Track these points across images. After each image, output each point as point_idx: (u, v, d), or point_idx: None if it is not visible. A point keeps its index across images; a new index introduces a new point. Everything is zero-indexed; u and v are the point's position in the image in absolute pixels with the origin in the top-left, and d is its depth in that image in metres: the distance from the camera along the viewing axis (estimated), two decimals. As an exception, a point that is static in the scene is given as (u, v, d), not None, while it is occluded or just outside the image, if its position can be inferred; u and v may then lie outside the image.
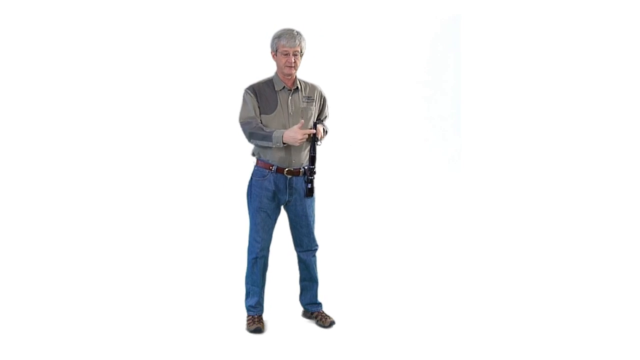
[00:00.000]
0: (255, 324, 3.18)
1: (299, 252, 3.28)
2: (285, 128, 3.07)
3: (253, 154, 3.18)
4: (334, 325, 3.25)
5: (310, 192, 3.10)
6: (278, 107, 3.09)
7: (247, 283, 3.24)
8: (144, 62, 5.03)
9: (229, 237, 4.32)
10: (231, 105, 3.41)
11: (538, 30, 5.02)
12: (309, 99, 3.16)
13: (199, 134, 5.05)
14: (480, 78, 5.42)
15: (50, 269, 4.16)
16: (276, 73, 3.13)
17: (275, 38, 3.07)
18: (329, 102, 3.32)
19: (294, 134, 2.96)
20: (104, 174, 5.00)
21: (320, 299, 3.37)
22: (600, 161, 4.74)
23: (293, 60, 3.03)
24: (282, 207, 3.21)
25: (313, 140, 3.08)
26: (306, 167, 3.11)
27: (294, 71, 3.07)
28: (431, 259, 4.46)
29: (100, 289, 3.81)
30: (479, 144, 5.43)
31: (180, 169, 5.06)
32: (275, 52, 3.08)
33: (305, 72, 3.21)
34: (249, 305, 3.24)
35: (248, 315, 3.24)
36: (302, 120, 3.02)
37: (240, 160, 3.50)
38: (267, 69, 3.18)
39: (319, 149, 3.14)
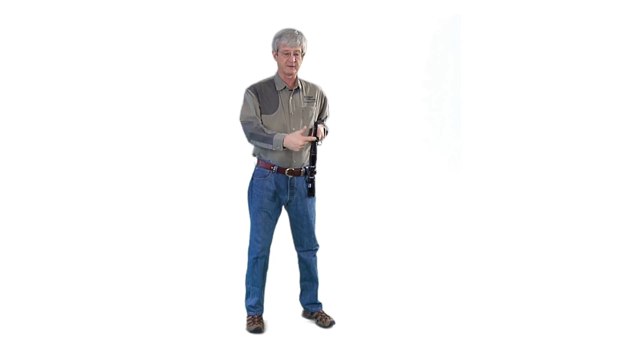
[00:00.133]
0: (255, 324, 3.17)
1: (300, 251, 3.28)
2: (286, 128, 3.08)
3: (254, 154, 3.18)
4: (334, 325, 3.25)
5: (311, 192, 3.10)
6: (279, 107, 3.08)
7: (247, 283, 3.24)
8: (145, 63, 5.02)
9: (229, 237, 4.32)
10: (232, 105, 3.41)
11: (538, 30, 5.02)
12: (310, 98, 3.16)
13: (200, 134, 5.05)
14: (480, 78, 5.42)
15: (50, 269, 4.16)
16: (277, 73, 3.13)
17: (277, 37, 3.07)
18: (329, 102, 3.32)
19: (296, 140, 2.95)
20: (105, 174, 4.99)
21: (320, 299, 3.37)
22: (600, 161, 4.74)
23: (294, 60, 3.03)
24: (282, 207, 3.21)
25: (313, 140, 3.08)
26: (307, 167, 3.11)
27: (294, 71, 3.07)
28: (431, 259, 4.46)
29: (100, 289, 3.81)
30: (479, 144, 5.43)
31: (181, 169, 5.06)
32: (276, 51, 3.08)
33: (305, 72, 3.21)
34: (249, 305, 3.24)
35: (248, 315, 3.24)
36: (305, 127, 3.02)
37: (241, 160, 3.49)
38: (268, 69, 3.18)
39: (319, 148, 3.14)
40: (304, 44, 3.07)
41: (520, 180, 5.13)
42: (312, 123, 3.12)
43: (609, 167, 4.69)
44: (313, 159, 3.08)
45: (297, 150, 2.99)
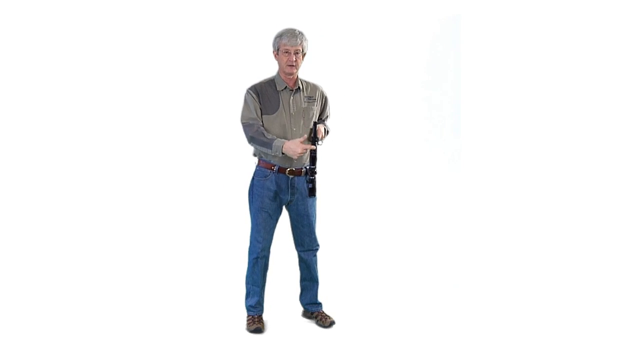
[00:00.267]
0: (255, 324, 3.18)
1: (300, 251, 3.28)
2: (286, 128, 3.08)
3: (254, 154, 3.18)
4: (334, 325, 3.25)
5: (312, 192, 3.10)
6: (280, 107, 3.09)
7: (247, 283, 3.24)
8: (145, 63, 5.02)
9: (229, 237, 4.32)
10: (233, 105, 3.41)
11: (538, 30, 5.01)
12: (311, 98, 3.16)
13: (201, 135, 5.05)
14: (480, 78, 5.41)
15: (50, 269, 4.16)
16: (278, 73, 3.13)
17: (277, 37, 3.07)
18: (330, 102, 3.32)
19: (295, 147, 2.96)
20: (105, 174, 4.99)
21: (320, 299, 3.37)
22: (600, 161, 4.74)
23: (294, 59, 3.03)
24: (283, 207, 3.21)
25: (314, 140, 3.08)
26: (307, 167, 3.11)
27: (295, 70, 3.07)
28: (431, 259, 4.46)
29: (100, 289, 3.81)
30: (479, 144, 5.43)
31: (182, 169, 5.05)
32: (276, 51, 3.08)
33: (306, 72, 3.21)
34: (249, 305, 3.24)
35: (248, 315, 3.24)
36: (305, 135, 3.02)
37: (241, 160, 3.49)
38: (269, 69, 3.18)
39: (319, 148, 3.14)
40: (304, 44, 3.07)
41: (520, 180, 5.13)
42: (312, 123, 3.12)
43: (609, 166, 4.68)
44: (313, 159, 3.08)
45: (296, 157, 3.00)
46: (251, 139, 3.06)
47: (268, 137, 3.01)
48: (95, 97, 5.00)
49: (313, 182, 3.08)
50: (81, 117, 4.97)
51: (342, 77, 5.10)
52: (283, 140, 3.00)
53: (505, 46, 5.23)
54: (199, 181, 5.02)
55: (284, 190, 3.12)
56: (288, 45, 3.02)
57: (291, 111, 3.10)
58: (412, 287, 3.87)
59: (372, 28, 5.35)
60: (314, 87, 3.21)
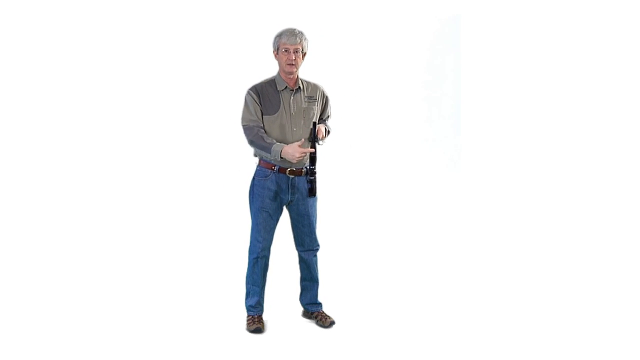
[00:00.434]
0: (255, 324, 3.17)
1: (301, 251, 3.28)
2: (286, 128, 3.08)
3: (255, 154, 3.18)
4: (334, 325, 3.25)
5: (311, 192, 3.09)
6: (280, 107, 3.09)
7: (247, 283, 3.24)
8: (146, 64, 5.02)
9: (230, 237, 4.32)
10: (234, 105, 3.40)
11: (538, 30, 5.02)
12: (311, 98, 3.16)
13: (202, 135, 5.05)
14: (480, 78, 5.42)
15: (51, 270, 4.15)
16: (278, 73, 3.13)
17: (277, 37, 3.07)
18: (331, 102, 3.32)
19: (293, 152, 2.96)
20: (106, 174, 4.99)
21: (320, 299, 3.36)
22: (600, 161, 4.74)
23: (293, 58, 3.03)
24: (284, 207, 3.21)
25: (313, 139, 3.08)
26: (307, 167, 3.11)
27: (295, 69, 3.07)
28: (431, 259, 4.46)
29: (101, 289, 3.81)
30: (479, 144, 5.43)
31: (183, 169, 5.06)
32: (276, 50, 3.08)
33: (306, 72, 3.21)
34: (249, 305, 3.24)
35: (248, 315, 3.24)
36: (303, 139, 3.02)
37: (242, 160, 3.49)
38: (269, 70, 3.18)
39: (320, 148, 3.14)
40: (304, 43, 3.07)
41: (520, 180, 5.13)
42: (312, 123, 3.12)
43: (609, 166, 4.68)
44: (313, 159, 3.08)
45: (295, 162, 3.00)
46: (251, 142, 3.07)
47: (267, 140, 3.02)
48: (96, 98, 5.00)
49: (312, 182, 3.08)
50: (82, 118, 4.98)
51: (342, 77, 5.10)
52: (282, 144, 3.00)
53: (505, 46, 5.24)
54: (199, 181, 5.02)
55: (284, 190, 3.12)
56: (287, 44, 3.03)
57: (292, 111, 3.10)
58: (412, 287, 3.87)
59: (372, 28, 5.35)
60: (315, 87, 3.20)
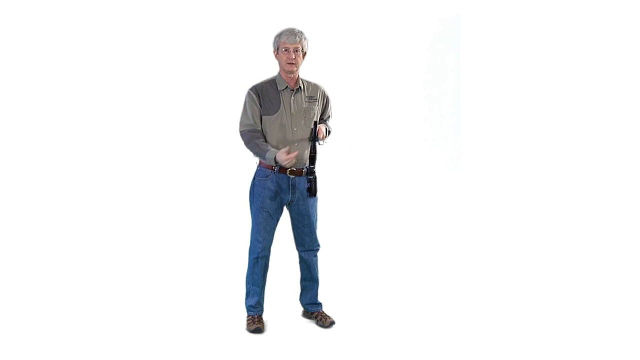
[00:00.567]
0: (255, 324, 3.17)
1: (301, 251, 3.28)
2: (287, 128, 3.08)
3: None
4: (334, 325, 3.25)
5: (313, 192, 3.09)
6: (280, 107, 3.09)
7: (247, 283, 3.24)
8: (147, 64, 5.02)
9: (230, 237, 4.31)
10: (234, 105, 3.40)
11: (538, 30, 5.02)
12: (312, 98, 3.16)
13: (202, 134, 5.05)
14: (480, 78, 5.42)
15: (51, 270, 4.15)
16: (279, 73, 3.13)
17: (277, 36, 3.08)
18: (331, 102, 3.32)
19: (278, 158, 2.98)
20: (106, 174, 4.99)
21: (320, 299, 3.36)
22: (600, 161, 4.74)
23: (293, 57, 3.03)
24: (284, 208, 3.21)
25: (314, 139, 3.08)
26: (307, 167, 3.11)
27: (295, 68, 3.07)
28: (431, 259, 4.46)
29: (101, 289, 3.81)
30: (479, 144, 5.43)
31: (183, 169, 5.05)
32: (276, 50, 3.09)
33: (306, 72, 3.21)
34: (249, 305, 3.24)
35: (248, 315, 3.24)
36: (289, 147, 3.02)
37: (243, 159, 3.49)
38: (270, 70, 3.18)
39: (320, 149, 3.14)
40: (304, 42, 3.08)
41: (520, 180, 5.13)
42: (312, 123, 3.12)
43: (609, 166, 4.68)
44: (312, 159, 3.08)
45: (288, 166, 3.01)
46: (247, 147, 3.10)
47: (262, 147, 3.03)
48: (97, 99, 5.00)
49: (311, 181, 3.08)
50: (83, 119, 4.97)
51: (342, 77, 5.10)
52: (275, 151, 3.01)
53: (505, 46, 5.24)
54: (200, 181, 5.02)
55: (284, 190, 3.12)
56: (287, 43, 3.03)
57: (292, 111, 3.10)
58: (412, 287, 3.87)
59: (372, 28, 5.35)
60: (315, 87, 3.21)
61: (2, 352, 2.92)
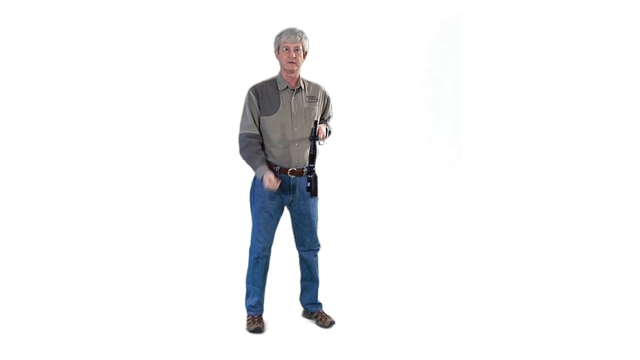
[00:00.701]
0: (255, 324, 3.17)
1: (301, 251, 3.28)
2: (287, 128, 3.08)
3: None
4: (334, 325, 3.25)
5: (314, 192, 3.09)
6: (280, 107, 3.09)
7: (247, 283, 3.24)
8: (147, 64, 5.02)
9: (230, 237, 4.31)
10: (235, 106, 3.40)
11: (538, 30, 5.01)
12: (312, 98, 3.16)
13: (203, 134, 5.05)
14: (480, 78, 5.41)
15: (51, 270, 4.15)
16: (280, 73, 3.13)
17: (277, 36, 3.09)
18: (332, 103, 3.32)
19: (264, 179, 3.00)
20: (106, 174, 4.99)
21: (320, 299, 3.36)
22: (601, 162, 4.73)
23: (294, 56, 3.04)
24: (284, 208, 3.21)
25: (314, 139, 3.08)
26: (307, 167, 3.11)
27: (295, 68, 3.07)
28: (431, 260, 4.46)
29: (101, 289, 3.81)
30: (480, 144, 5.43)
31: (183, 169, 5.05)
32: (277, 49, 3.09)
33: (306, 72, 3.21)
34: (249, 305, 3.24)
35: (248, 315, 3.24)
36: (277, 178, 3.02)
37: (243, 160, 3.49)
38: (270, 70, 3.18)
39: (320, 149, 3.14)
40: (304, 42, 3.08)
41: (520, 180, 5.12)
42: (313, 123, 3.12)
43: (609, 167, 4.68)
44: (312, 158, 3.08)
45: (267, 189, 3.03)
46: (240, 154, 3.11)
47: (254, 161, 3.05)
48: (97, 100, 4.99)
49: (311, 181, 3.08)
50: (83, 120, 4.96)
51: (342, 77, 5.09)
52: (265, 168, 3.02)
53: (505, 46, 5.23)
54: (200, 181, 5.01)
55: (285, 191, 3.12)
56: (288, 42, 3.04)
57: (292, 111, 3.10)
58: (412, 287, 3.87)
59: (372, 28, 5.35)
60: (316, 87, 3.21)
61: (2, 352, 2.92)
